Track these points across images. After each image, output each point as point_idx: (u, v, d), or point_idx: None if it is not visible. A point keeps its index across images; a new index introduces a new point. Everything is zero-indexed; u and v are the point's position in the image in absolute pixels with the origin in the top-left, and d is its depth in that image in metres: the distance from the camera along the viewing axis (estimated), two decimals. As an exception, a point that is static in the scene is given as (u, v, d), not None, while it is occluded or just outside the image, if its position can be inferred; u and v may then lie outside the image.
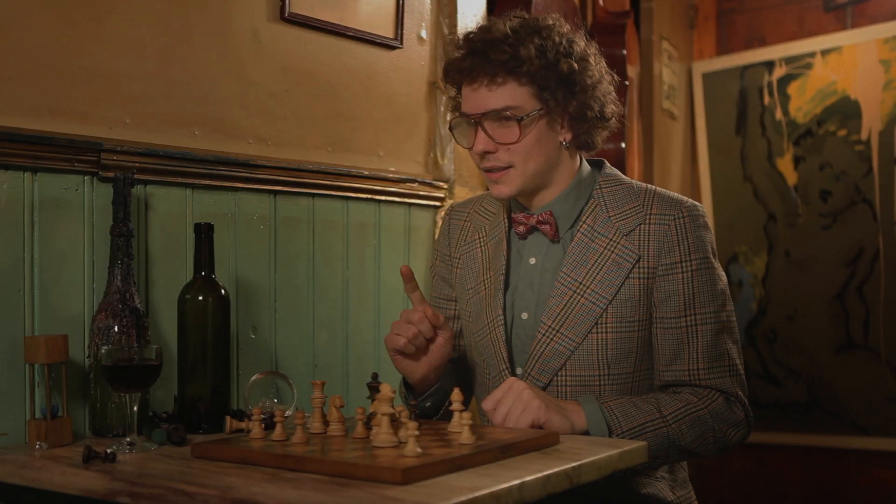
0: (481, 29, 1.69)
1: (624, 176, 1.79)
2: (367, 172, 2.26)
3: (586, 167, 1.78)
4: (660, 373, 1.69)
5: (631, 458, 1.46)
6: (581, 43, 1.69)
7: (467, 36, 1.69)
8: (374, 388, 1.41)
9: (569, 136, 1.70)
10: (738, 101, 3.99)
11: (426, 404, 1.76)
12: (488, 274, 1.79)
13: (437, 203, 2.46)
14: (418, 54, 2.44)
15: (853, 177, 3.73)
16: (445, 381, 1.76)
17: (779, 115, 3.90)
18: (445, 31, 2.51)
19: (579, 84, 1.65)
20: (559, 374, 1.68)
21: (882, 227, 3.66)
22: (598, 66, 1.70)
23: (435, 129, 2.49)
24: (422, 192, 2.40)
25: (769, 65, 3.92)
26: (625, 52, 3.29)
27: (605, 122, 1.72)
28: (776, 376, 3.87)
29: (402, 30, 2.35)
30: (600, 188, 1.74)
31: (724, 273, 1.73)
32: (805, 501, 3.87)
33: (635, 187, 1.73)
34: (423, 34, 2.46)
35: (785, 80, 3.88)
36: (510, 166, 1.67)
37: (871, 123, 3.69)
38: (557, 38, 1.65)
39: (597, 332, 1.66)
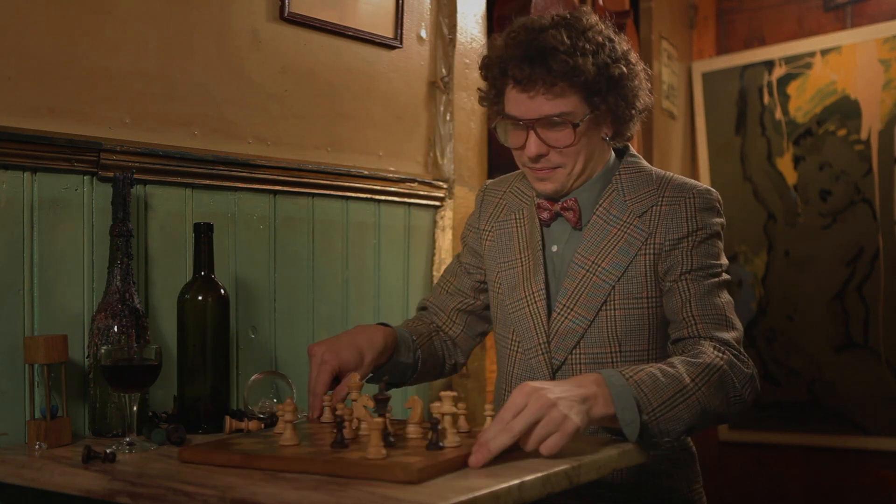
0: (530, 31, 1.65)
1: (645, 162, 1.80)
2: (366, 172, 2.26)
3: (612, 154, 1.80)
4: (670, 338, 1.71)
5: (630, 457, 1.46)
6: (621, 41, 1.70)
7: (516, 37, 1.66)
8: (382, 400, 1.39)
9: (610, 132, 1.73)
10: (737, 101, 3.99)
11: (385, 377, 1.77)
12: (526, 252, 1.79)
13: (437, 203, 2.46)
14: (418, 54, 2.44)
15: (853, 176, 3.73)
16: (404, 358, 1.78)
17: (778, 114, 3.90)
18: (445, 31, 2.50)
19: (627, 86, 1.68)
20: (574, 352, 1.71)
21: (882, 227, 3.66)
22: (637, 63, 1.72)
23: (434, 129, 2.49)
24: (421, 192, 2.40)
25: (769, 64, 3.92)
26: (624, 51, 3.29)
27: (641, 116, 1.75)
28: (776, 376, 3.87)
29: (401, 30, 2.35)
30: (619, 174, 1.76)
31: (725, 259, 1.75)
32: (805, 501, 3.87)
33: (654, 174, 1.76)
34: (423, 34, 2.46)
35: (785, 80, 3.88)
36: (559, 167, 1.69)
37: (871, 123, 3.69)
38: (604, 41, 1.65)
39: (606, 310, 1.69)
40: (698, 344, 1.62)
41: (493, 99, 1.74)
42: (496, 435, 1.32)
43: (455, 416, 1.40)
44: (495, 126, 1.73)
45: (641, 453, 1.48)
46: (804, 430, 3.83)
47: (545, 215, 1.77)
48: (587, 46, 1.63)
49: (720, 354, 1.58)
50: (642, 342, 1.71)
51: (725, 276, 1.72)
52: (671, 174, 1.77)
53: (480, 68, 1.74)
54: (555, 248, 1.77)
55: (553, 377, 1.72)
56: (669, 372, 1.50)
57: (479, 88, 1.79)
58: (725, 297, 1.72)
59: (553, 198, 1.75)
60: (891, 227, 3.64)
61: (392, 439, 1.39)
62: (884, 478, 3.72)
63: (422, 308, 1.98)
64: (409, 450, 1.36)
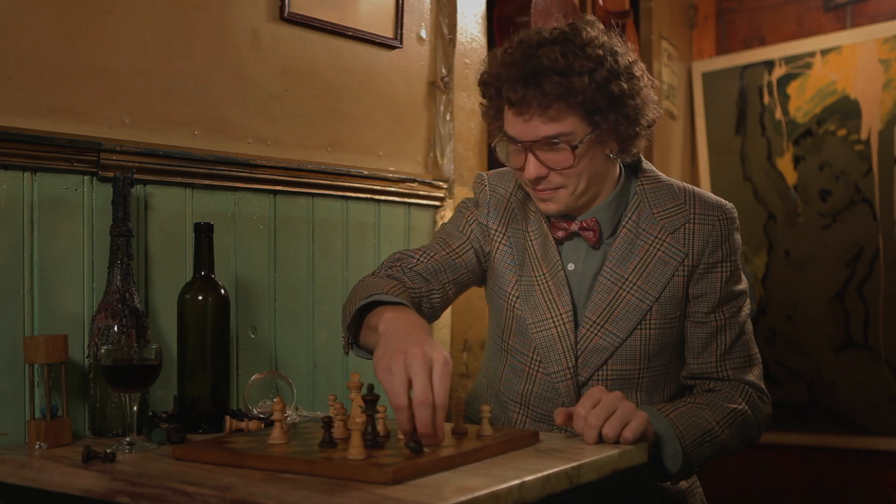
0: (525, 48, 1.60)
1: (660, 172, 1.79)
2: (366, 172, 2.26)
3: (621, 169, 1.76)
4: (688, 364, 1.74)
5: (630, 458, 1.46)
6: (625, 53, 1.64)
7: (511, 56, 1.61)
8: (370, 401, 1.40)
9: (616, 149, 1.67)
10: (737, 101, 3.99)
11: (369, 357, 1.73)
12: (542, 270, 1.72)
13: (437, 203, 2.46)
14: (418, 54, 2.44)
15: (853, 176, 3.73)
16: None
17: (778, 114, 3.89)
18: (445, 31, 2.50)
19: (629, 103, 1.61)
20: (601, 369, 1.70)
21: (882, 227, 3.66)
22: (642, 76, 1.66)
23: (434, 129, 2.49)
24: (421, 192, 2.40)
25: (769, 64, 3.92)
26: (624, 51, 3.29)
27: (648, 131, 1.69)
28: (776, 376, 3.87)
29: (401, 30, 2.35)
30: (642, 184, 1.73)
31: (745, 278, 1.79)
32: (805, 501, 3.87)
33: (675, 186, 1.75)
34: (423, 34, 2.46)
35: (785, 80, 3.88)
36: (560, 187, 1.65)
37: (871, 123, 3.69)
38: (604, 55, 1.59)
39: (641, 329, 1.68)
40: (725, 385, 1.71)
41: (493, 116, 1.70)
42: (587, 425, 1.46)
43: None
44: (495, 145, 1.69)
45: (641, 454, 1.49)
46: (804, 430, 3.82)
47: (560, 234, 1.72)
48: (585, 64, 1.57)
49: (745, 398, 1.69)
50: (665, 358, 1.72)
51: (748, 305, 1.75)
52: (690, 186, 1.76)
53: (479, 84, 1.70)
54: (571, 267, 1.72)
55: (578, 396, 1.70)
56: (699, 414, 1.61)
57: (480, 103, 1.75)
58: (749, 330, 1.75)
59: (567, 217, 1.71)
60: (891, 227, 3.64)
61: (380, 440, 1.39)
62: (884, 478, 3.71)
63: (396, 263, 1.73)
64: (393, 451, 1.35)
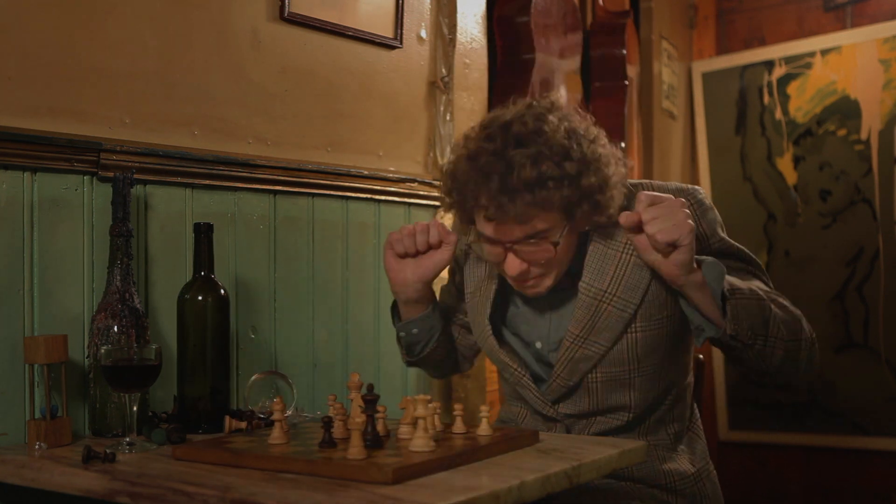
0: (493, 155, 1.55)
1: None
2: (366, 172, 2.26)
3: None
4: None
5: (630, 457, 1.47)
6: (590, 136, 1.60)
7: (480, 163, 1.56)
8: (370, 401, 1.40)
9: (588, 226, 1.65)
10: (737, 101, 3.99)
11: (413, 330, 1.81)
12: (487, 281, 1.78)
13: (437, 203, 2.46)
14: (418, 54, 2.44)
15: (853, 176, 3.73)
16: (435, 317, 1.82)
17: (778, 114, 3.90)
18: (445, 31, 2.50)
19: (600, 191, 1.58)
20: (592, 373, 1.69)
21: (882, 227, 3.66)
22: (607, 156, 1.61)
23: (434, 129, 2.49)
24: (421, 192, 2.40)
25: (769, 64, 3.92)
26: (624, 51, 3.29)
27: (614, 202, 1.63)
28: (776, 376, 3.87)
29: (401, 30, 2.35)
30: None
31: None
32: (805, 501, 3.87)
33: (629, 187, 1.70)
34: (423, 34, 2.46)
35: (785, 80, 3.88)
36: (542, 275, 1.64)
37: (871, 123, 3.69)
38: (571, 144, 1.56)
39: (627, 334, 1.66)
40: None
41: (462, 215, 1.67)
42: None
43: (429, 419, 1.41)
44: (471, 244, 1.68)
45: (641, 454, 1.49)
46: (804, 430, 3.83)
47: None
48: (556, 170, 1.53)
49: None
50: (658, 358, 1.69)
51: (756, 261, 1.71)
52: (646, 181, 1.73)
53: (446, 181, 1.65)
54: (519, 301, 1.77)
55: (552, 406, 1.74)
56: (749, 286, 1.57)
57: (442, 198, 1.70)
58: (764, 279, 1.71)
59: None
60: (891, 227, 3.64)
61: (380, 440, 1.39)
62: (884, 478, 3.72)
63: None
64: (393, 451, 1.36)
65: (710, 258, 1.54)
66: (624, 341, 1.66)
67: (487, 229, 1.61)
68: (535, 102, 1.63)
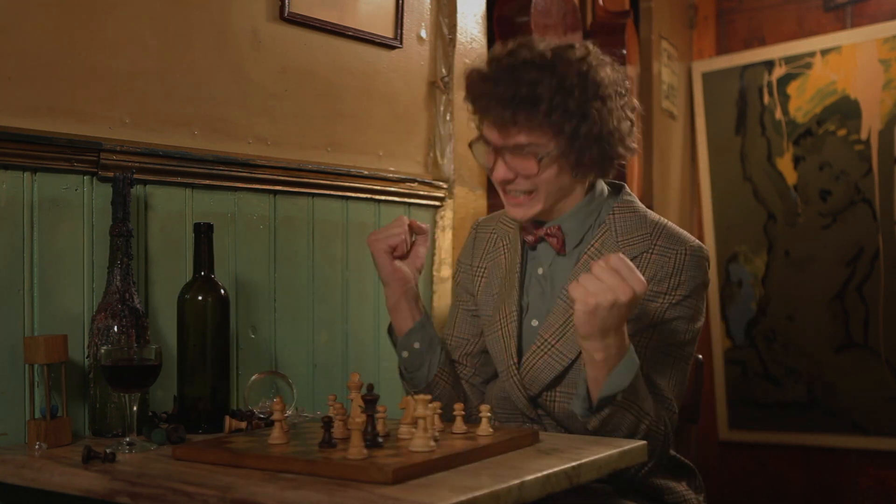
0: (506, 56, 1.68)
1: (640, 204, 1.79)
2: (366, 172, 2.26)
3: (602, 187, 1.79)
4: None
5: (630, 457, 1.47)
6: (605, 75, 1.68)
7: (490, 62, 1.70)
8: (370, 401, 1.40)
9: (584, 171, 1.71)
10: (737, 101, 3.99)
11: (415, 344, 1.80)
12: (509, 276, 1.81)
13: (437, 203, 2.46)
14: (418, 54, 2.44)
15: (853, 176, 3.73)
16: (431, 327, 1.82)
17: (778, 114, 3.89)
18: (445, 31, 2.50)
19: (599, 125, 1.66)
20: (549, 391, 1.71)
21: (882, 227, 3.66)
22: (619, 102, 1.69)
23: (434, 129, 2.49)
24: (421, 192, 2.40)
25: (769, 64, 3.92)
26: (624, 51, 3.28)
27: (620, 159, 1.73)
28: (776, 376, 3.87)
29: (401, 30, 2.35)
30: (613, 214, 1.75)
31: (702, 314, 1.73)
32: (805, 501, 3.87)
33: (648, 218, 1.74)
34: (423, 34, 2.46)
35: (785, 80, 3.88)
36: (531, 191, 1.70)
37: (871, 123, 3.69)
38: (579, 77, 1.64)
39: None
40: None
41: (477, 119, 1.76)
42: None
43: (429, 419, 1.41)
44: (471, 145, 1.76)
45: (641, 453, 1.49)
46: (804, 430, 3.82)
47: (530, 238, 1.78)
48: (556, 80, 1.62)
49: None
50: None
51: (688, 350, 1.71)
52: (665, 221, 1.75)
53: (467, 86, 1.75)
54: (540, 271, 1.78)
55: (530, 402, 1.73)
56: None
57: (469, 111, 1.79)
58: (677, 375, 1.70)
59: (538, 223, 1.76)
60: (891, 227, 3.64)
61: (381, 440, 1.39)
62: (884, 478, 3.72)
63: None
64: (393, 451, 1.36)
65: (634, 360, 1.53)
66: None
67: (488, 132, 1.71)
68: (568, 43, 1.72)
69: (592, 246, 1.73)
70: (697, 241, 1.73)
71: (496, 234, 1.90)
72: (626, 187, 1.81)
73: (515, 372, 1.73)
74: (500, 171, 1.70)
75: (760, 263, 3.92)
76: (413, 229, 1.80)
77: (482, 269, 1.88)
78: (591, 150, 1.67)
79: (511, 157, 1.68)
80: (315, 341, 2.15)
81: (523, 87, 1.63)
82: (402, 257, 1.79)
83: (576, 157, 1.68)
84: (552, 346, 1.70)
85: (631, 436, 1.58)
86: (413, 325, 1.80)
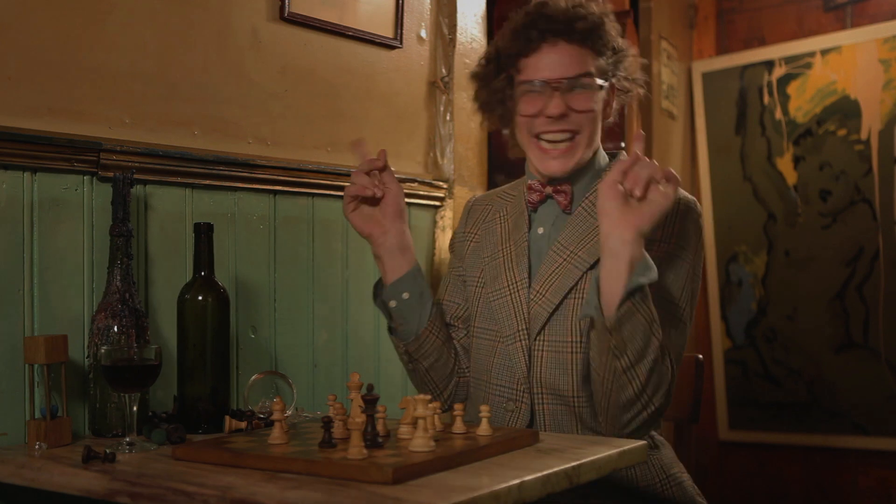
0: (560, 4, 1.75)
1: None
2: (366, 172, 2.26)
3: (603, 153, 1.83)
4: None
5: (630, 457, 1.47)
6: (630, 58, 1.83)
7: (552, 5, 1.75)
8: (370, 401, 1.40)
9: (609, 112, 1.81)
10: (737, 101, 3.99)
11: (403, 295, 1.79)
12: (508, 244, 1.82)
13: (437, 203, 2.46)
14: (418, 54, 2.44)
15: (853, 176, 3.73)
16: (421, 279, 1.82)
17: (778, 114, 3.90)
18: (445, 31, 2.51)
19: (627, 69, 1.79)
20: (538, 337, 1.72)
21: (882, 227, 3.66)
22: (634, 57, 1.83)
23: (435, 129, 2.49)
24: (421, 192, 2.40)
25: (769, 64, 3.92)
26: (624, 51, 3.28)
27: (626, 98, 1.84)
28: (776, 376, 3.87)
29: (401, 30, 2.35)
30: (609, 170, 1.75)
31: (698, 277, 1.72)
32: (805, 501, 3.87)
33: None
34: (423, 34, 2.46)
35: (785, 80, 3.88)
36: (576, 133, 1.73)
37: (871, 123, 3.69)
38: (616, 24, 1.78)
39: (573, 297, 1.70)
40: None
41: (499, 97, 1.80)
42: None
43: (429, 419, 1.41)
44: (516, 94, 1.76)
45: (641, 453, 1.49)
46: (804, 430, 3.83)
47: (535, 197, 1.79)
48: (611, 31, 1.76)
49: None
50: None
51: (684, 312, 1.68)
52: None
53: (505, 35, 1.78)
54: (541, 231, 1.80)
55: (529, 362, 1.73)
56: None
57: (472, 73, 1.86)
58: (675, 336, 1.67)
59: (555, 178, 1.76)
60: (891, 227, 3.64)
61: (381, 440, 1.39)
62: (884, 478, 3.72)
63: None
64: (393, 450, 1.36)
65: (651, 263, 1.55)
66: (568, 305, 1.69)
67: (535, 71, 1.73)
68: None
69: (587, 199, 1.76)
70: (687, 194, 1.75)
71: (492, 207, 1.92)
72: (623, 153, 1.85)
73: (526, 336, 1.74)
74: (558, 106, 1.70)
75: (760, 263, 3.93)
76: (370, 165, 1.79)
77: (473, 235, 1.92)
78: (622, 96, 1.80)
79: (566, 92, 1.71)
80: (315, 341, 2.15)
81: (587, 20, 1.71)
82: (377, 202, 1.78)
83: (609, 93, 1.78)
84: (543, 295, 1.72)
85: (644, 350, 1.54)
86: (401, 275, 1.79)
